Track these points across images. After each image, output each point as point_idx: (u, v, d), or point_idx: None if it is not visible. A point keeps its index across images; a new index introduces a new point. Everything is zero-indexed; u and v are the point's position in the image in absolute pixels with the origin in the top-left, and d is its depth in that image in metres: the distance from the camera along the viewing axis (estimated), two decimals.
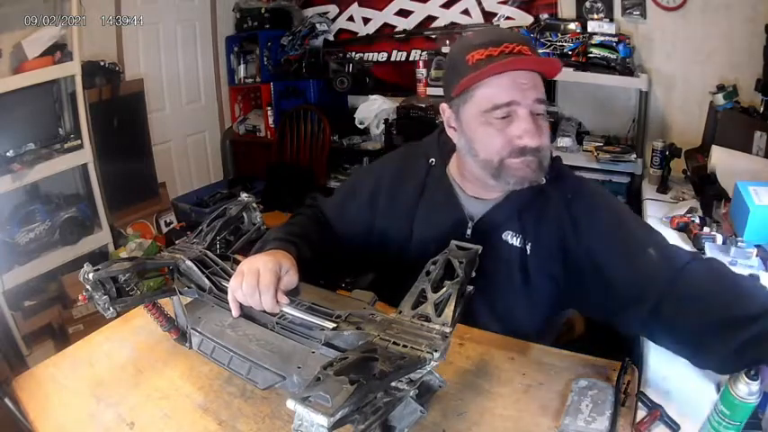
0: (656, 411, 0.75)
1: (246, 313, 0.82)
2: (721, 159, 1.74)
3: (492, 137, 0.87)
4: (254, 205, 1.05)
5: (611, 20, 2.40)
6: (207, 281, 0.85)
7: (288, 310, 0.79)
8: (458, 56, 0.89)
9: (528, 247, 0.94)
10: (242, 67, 3.45)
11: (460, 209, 1.00)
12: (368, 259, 1.14)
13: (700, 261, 0.86)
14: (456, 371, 0.86)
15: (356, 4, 3.19)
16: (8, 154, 2.18)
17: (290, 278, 0.84)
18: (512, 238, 0.96)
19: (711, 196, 1.63)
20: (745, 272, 1.24)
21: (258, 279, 0.79)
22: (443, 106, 0.96)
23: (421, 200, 1.03)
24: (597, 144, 2.45)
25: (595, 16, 2.43)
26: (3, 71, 2.16)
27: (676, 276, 0.81)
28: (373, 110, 3.02)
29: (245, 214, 1.03)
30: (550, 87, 2.63)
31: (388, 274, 1.06)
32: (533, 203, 0.95)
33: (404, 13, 3.05)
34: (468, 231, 0.99)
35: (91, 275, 0.78)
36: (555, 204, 0.93)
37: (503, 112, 0.85)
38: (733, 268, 1.24)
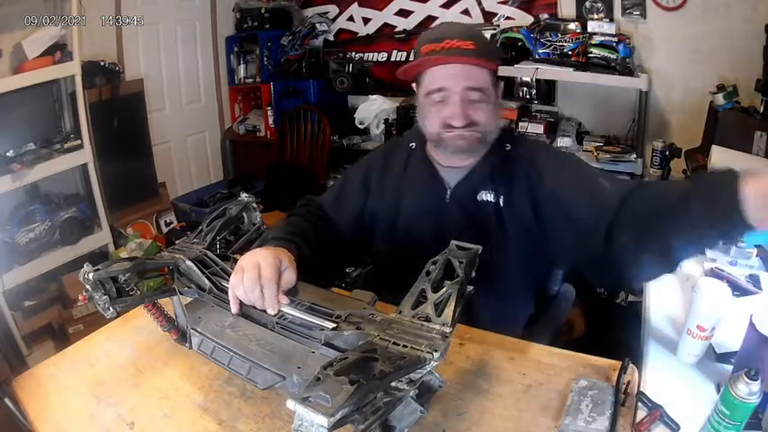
0: (656, 411, 0.75)
1: (246, 313, 0.82)
2: (721, 159, 1.74)
3: (432, 115, 1.05)
4: (254, 205, 1.05)
5: (611, 20, 2.40)
6: (207, 281, 0.85)
7: (288, 309, 0.79)
8: (419, 46, 1.05)
9: (501, 201, 1.09)
10: (242, 67, 3.45)
11: (440, 180, 1.13)
12: (363, 244, 1.23)
13: (641, 185, 1.02)
14: (456, 371, 0.86)
15: (356, 4, 3.19)
16: (8, 154, 2.18)
17: (290, 275, 0.85)
18: (486, 196, 1.10)
19: None
20: (745, 272, 1.24)
21: (259, 273, 0.80)
22: (414, 86, 1.12)
23: (404, 179, 1.17)
24: (597, 144, 2.46)
25: (595, 16, 2.43)
26: (3, 71, 2.15)
27: (624, 198, 0.93)
28: (373, 110, 3.02)
29: (245, 214, 1.03)
30: (550, 87, 2.64)
31: (381, 255, 1.18)
32: (503, 166, 1.09)
33: (404, 13, 3.05)
34: (447, 196, 1.12)
35: (91, 275, 0.78)
36: (521, 164, 1.09)
37: (438, 96, 1.03)
38: (733, 269, 1.24)
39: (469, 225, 1.09)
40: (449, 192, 1.12)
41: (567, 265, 1.24)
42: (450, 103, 1.02)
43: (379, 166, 1.22)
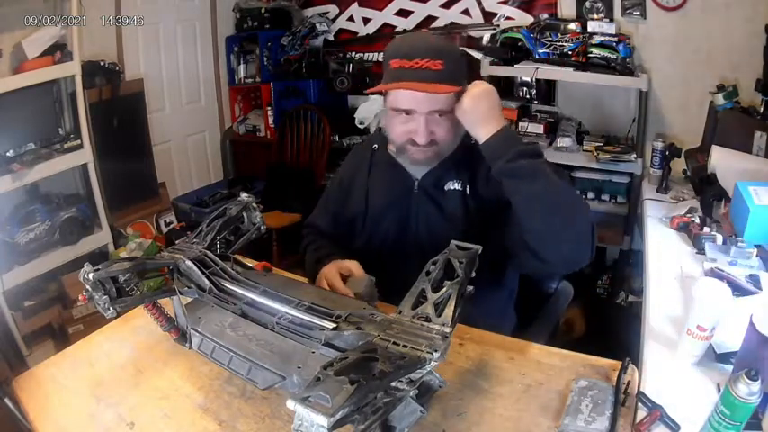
0: (656, 411, 0.75)
1: (246, 313, 0.82)
2: (721, 159, 1.74)
3: (396, 126, 1.09)
4: (254, 205, 1.05)
5: (611, 20, 2.40)
6: (207, 281, 0.85)
7: (288, 310, 0.79)
8: (387, 57, 1.07)
9: (467, 190, 1.14)
10: (242, 67, 3.44)
11: (405, 173, 1.18)
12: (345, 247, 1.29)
13: None
14: (456, 371, 0.86)
15: (356, 4, 3.18)
16: (8, 154, 2.18)
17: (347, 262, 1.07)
18: (454, 185, 1.15)
19: (711, 196, 1.63)
20: (745, 272, 1.24)
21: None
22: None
23: (369, 178, 1.24)
24: (597, 144, 2.45)
25: (595, 16, 2.43)
26: (3, 71, 2.15)
27: None
28: (373, 110, 3.02)
29: (245, 214, 1.03)
30: (550, 87, 2.64)
31: (357, 253, 1.20)
32: (467, 158, 1.14)
33: (404, 13, 3.05)
34: (416, 186, 1.17)
35: (91, 275, 0.78)
36: (479, 157, 1.11)
37: (403, 115, 1.07)
38: (733, 269, 1.25)
39: (438, 213, 1.15)
40: (416, 183, 1.17)
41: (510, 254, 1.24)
42: (415, 120, 1.05)
43: (348, 173, 1.30)
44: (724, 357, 0.89)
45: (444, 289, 0.72)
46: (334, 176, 1.40)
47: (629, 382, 0.79)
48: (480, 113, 0.99)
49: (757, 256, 1.28)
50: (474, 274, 0.82)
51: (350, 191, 1.27)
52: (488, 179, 1.12)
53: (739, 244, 1.31)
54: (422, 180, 1.17)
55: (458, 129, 1.08)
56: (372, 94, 1.14)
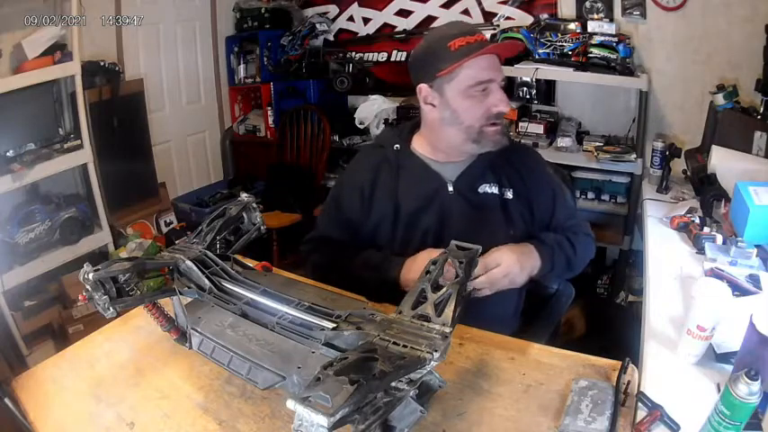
0: (656, 411, 0.75)
1: (246, 313, 0.82)
2: (721, 159, 1.74)
3: (475, 107, 1.08)
4: (254, 205, 1.04)
5: (611, 20, 2.40)
6: (207, 281, 0.85)
7: (288, 309, 0.79)
8: (437, 44, 1.07)
9: (508, 194, 1.16)
10: (242, 67, 3.44)
11: (437, 175, 1.17)
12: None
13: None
14: (456, 371, 0.86)
15: (356, 4, 3.18)
16: (8, 154, 2.18)
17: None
18: (489, 188, 1.16)
19: (711, 196, 1.63)
20: (745, 272, 1.24)
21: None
22: (422, 87, 1.12)
23: (399, 180, 1.19)
24: (597, 144, 2.45)
25: (595, 16, 2.43)
26: (3, 71, 2.15)
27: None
28: (373, 110, 3.02)
29: (245, 214, 1.03)
30: (550, 88, 2.63)
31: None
32: (500, 159, 1.16)
33: (404, 13, 3.05)
34: (450, 189, 1.16)
35: (91, 275, 0.78)
36: (513, 158, 1.18)
37: (483, 86, 1.07)
38: (733, 269, 1.25)
39: (475, 216, 1.14)
40: (450, 185, 1.16)
41: None
42: (494, 91, 1.07)
43: (365, 175, 1.22)
44: (724, 357, 0.89)
45: (444, 289, 0.72)
46: (342, 184, 1.31)
47: (629, 382, 0.79)
48: (525, 267, 1.05)
49: (757, 256, 1.28)
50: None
51: (373, 196, 1.20)
52: (525, 182, 1.17)
53: (739, 244, 1.31)
54: (456, 182, 1.16)
55: None
56: (443, 75, 1.09)
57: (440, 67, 1.06)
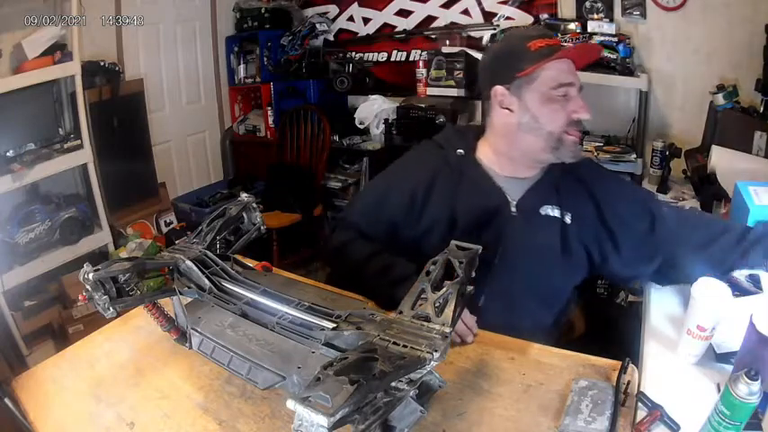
0: (656, 411, 0.75)
1: (246, 313, 0.82)
2: (721, 159, 1.74)
3: (557, 111, 1.02)
4: (254, 205, 1.04)
5: (611, 20, 2.40)
6: (207, 281, 0.85)
7: (288, 309, 0.79)
8: (517, 45, 1.04)
9: (567, 218, 1.07)
10: (242, 67, 3.45)
11: (499, 190, 1.09)
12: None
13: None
14: (456, 371, 0.86)
15: (356, 4, 3.19)
16: (8, 154, 2.18)
17: None
18: (551, 211, 1.08)
19: (711, 196, 1.63)
20: (745, 272, 1.23)
21: None
22: (498, 89, 1.06)
23: (459, 188, 1.10)
24: (597, 144, 2.45)
25: (595, 16, 2.43)
26: (3, 71, 2.15)
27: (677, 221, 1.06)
28: (373, 110, 3.02)
29: (245, 214, 1.03)
30: None
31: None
32: (565, 181, 1.09)
33: (404, 13, 3.05)
34: (513, 210, 1.08)
35: (91, 275, 0.78)
36: (582, 181, 1.09)
37: (563, 90, 1.01)
38: None
39: (532, 240, 1.07)
40: (513, 204, 1.08)
41: (616, 274, 1.21)
42: (574, 97, 1.02)
43: (420, 177, 1.13)
44: (724, 357, 0.89)
45: (444, 289, 0.72)
46: (390, 179, 1.21)
47: (629, 382, 0.79)
48: None
49: None
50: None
51: (428, 201, 1.11)
52: (597, 208, 1.07)
53: None
54: (520, 202, 1.08)
55: None
56: (525, 75, 1.02)
57: (520, 67, 1.01)
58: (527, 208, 1.08)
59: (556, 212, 1.07)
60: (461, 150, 1.13)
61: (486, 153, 1.13)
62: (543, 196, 1.08)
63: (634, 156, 2.31)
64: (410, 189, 1.12)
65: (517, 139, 1.06)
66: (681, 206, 1.18)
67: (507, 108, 1.05)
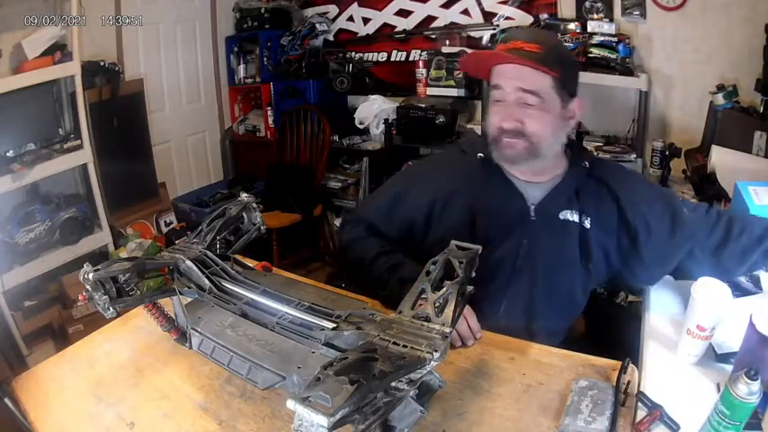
0: (656, 411, 0.75)
1: (246, 313, 0.82)
2: (721, 159, 1.74)
3: (491, 115, 1.06)
4: (254, 205, 1.04)
5: (611, 20, 2.40)
6: (207, 281, 0.85)
7: (288, 310, 0.79)
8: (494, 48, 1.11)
9: (587, 223, 1.07)
10: (242, 67, 3.45)
11: (520, 195, 1.09)
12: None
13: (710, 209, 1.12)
14: (456, 371, 0.86)
15: (356, 4, 3.19)
16: (8, 154, 2.18)
17: None
18: (570, 216, 1.07)
19: (711, 196, 1.63)
20: None
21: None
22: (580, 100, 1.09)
23: (480, 193, 1.10)
24: (597, 144, 2.45)
25: (595, 16, 2.43)
26: (3, 71, 2.15)
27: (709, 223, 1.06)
28: (373, 110, 3.02)
29: (245, 214, 1.03)
30: None
31: None
32: (587, 184, 1.09)
33: (404, 13, 3.05)
34: (532, 214, 1.08)
35: (91, 275, 0.78)
36: (606, 185, 1.08)
37: (497, 94, 1.03)
38: None
39: (552, 246, 1.07)
40: (532, 208, 1.08)
41: (636, 281, 1.21)
42: (504, 104, 1.02)
43: (442, 180, 1.14)
44: (724, 357, 0.89)
45: (444, 289, 0.72)
46: (412, 182, 1.19)
47: (629, 382, 0.79)
48: None
49: None
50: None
51: (447, 208, 1.11)
52: (621, 211, 1.06)
53: None
54: (539, 206, 1.08)
55: (555, 128, 1.03)
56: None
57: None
58: (546, 212, 1.07)
59: (575, 217, 1.07)
60: (481, 154, 1.12)
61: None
62: (562, 200, 1.08)
63: (634, 156, 2.31)
64: (430, 195, 1.12)
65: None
66: (702, 204, 1.18)
67: (571, 117, 1.09)
